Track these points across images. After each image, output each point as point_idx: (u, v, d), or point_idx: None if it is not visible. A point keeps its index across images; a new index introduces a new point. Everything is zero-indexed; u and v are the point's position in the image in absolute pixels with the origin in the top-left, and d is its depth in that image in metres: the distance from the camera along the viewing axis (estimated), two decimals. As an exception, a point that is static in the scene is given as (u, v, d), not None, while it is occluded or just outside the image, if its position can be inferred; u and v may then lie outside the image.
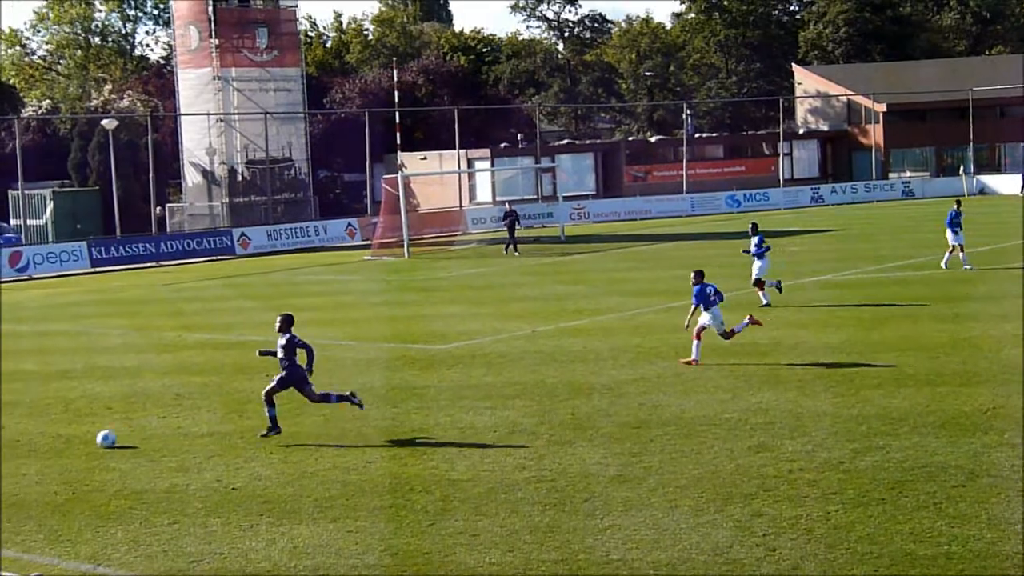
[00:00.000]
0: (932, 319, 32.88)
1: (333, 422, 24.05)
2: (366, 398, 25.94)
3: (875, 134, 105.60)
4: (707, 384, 25.72)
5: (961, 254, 43.68)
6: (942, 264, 43.94)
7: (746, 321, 28.80)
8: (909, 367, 26.44)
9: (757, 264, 37.36)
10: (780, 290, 37.23)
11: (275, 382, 23.14)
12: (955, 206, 45.24)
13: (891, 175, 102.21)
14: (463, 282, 50.13)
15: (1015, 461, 18.83)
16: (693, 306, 28.23)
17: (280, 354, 23.18)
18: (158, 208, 75.34)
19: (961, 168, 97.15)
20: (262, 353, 24.11)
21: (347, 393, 23.54)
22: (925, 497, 17.37)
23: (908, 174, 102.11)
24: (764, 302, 36.55)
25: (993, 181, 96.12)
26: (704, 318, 28.11)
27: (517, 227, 63.57)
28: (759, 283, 37.10)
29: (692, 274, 28.48)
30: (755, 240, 37.58)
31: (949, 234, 44.00)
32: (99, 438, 23.09)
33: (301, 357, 22.95)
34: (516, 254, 60.72)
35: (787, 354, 28.65)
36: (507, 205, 68.32)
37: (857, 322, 33.23)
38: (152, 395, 27.94)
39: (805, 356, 28.31)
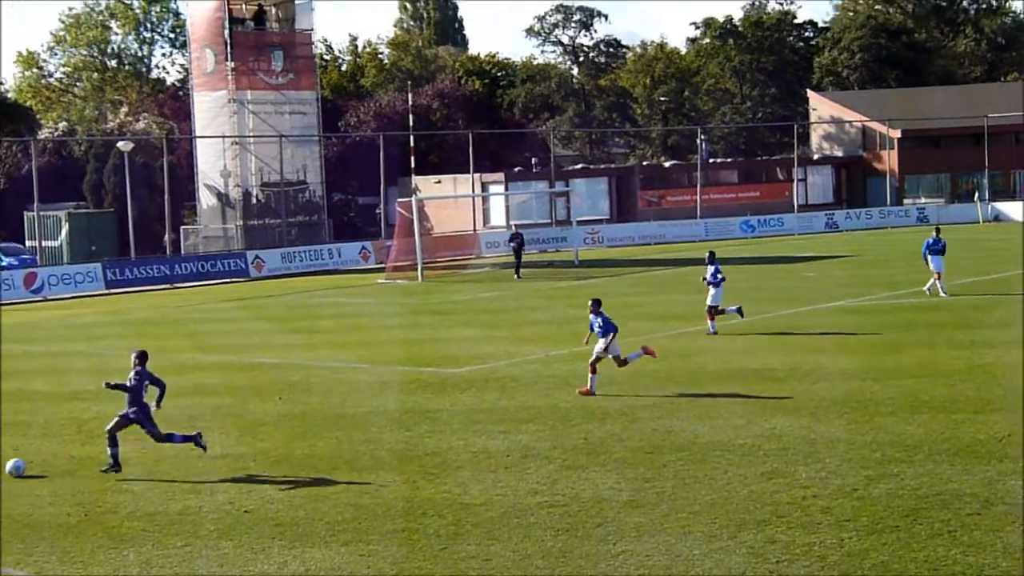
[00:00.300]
0: (947, 345, 32.81)
1: (346, 445, 24.06)
2: (380, 421, 26.02)
3: (889, 160, 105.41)
4: (721, 409, 25.69)
5: (939, 282, 43.86)
6: (925, 289, 44.26)
7: (640, 351, 28.98)
8: (924, 394, 26.39)
9: (712, 292, 37.44)
10: (742, 315, 37.82)
11: (118, 418, 22.64)
12: (935, 233, 45.70)
13: (906, 201, 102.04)
14: (477, 305, 50.13)
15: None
16: (589, 333, 28.70)
17: (129, 386, 22.76)
18: (168, 233, 75.51)
19: (976, 194, 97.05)
20: (109, 386, 23.23)
21: (193, 434, 23.12)
22: (939, 525, 17.32)
23: (923, 200, 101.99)
24: (711, 330, 37.00)
25: (1008, 207, 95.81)
26: (599, 345, 28.28)
27: (523, 251, 64.20)
28: (712, 311, 37.32)
29: (590, 302, 28.87)
30: (711, 269, 37.71)
31: (931, 261, 44.19)
32: (8, 466, 22.85)
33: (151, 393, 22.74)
34: (516, 278, 61.03)
35: (802, 380, 28.60)
36: (513, 228, 68.74)
37: (872, 348, 33.17)
38: (165, 417, 27.86)
39: (820, 382, 28.27)
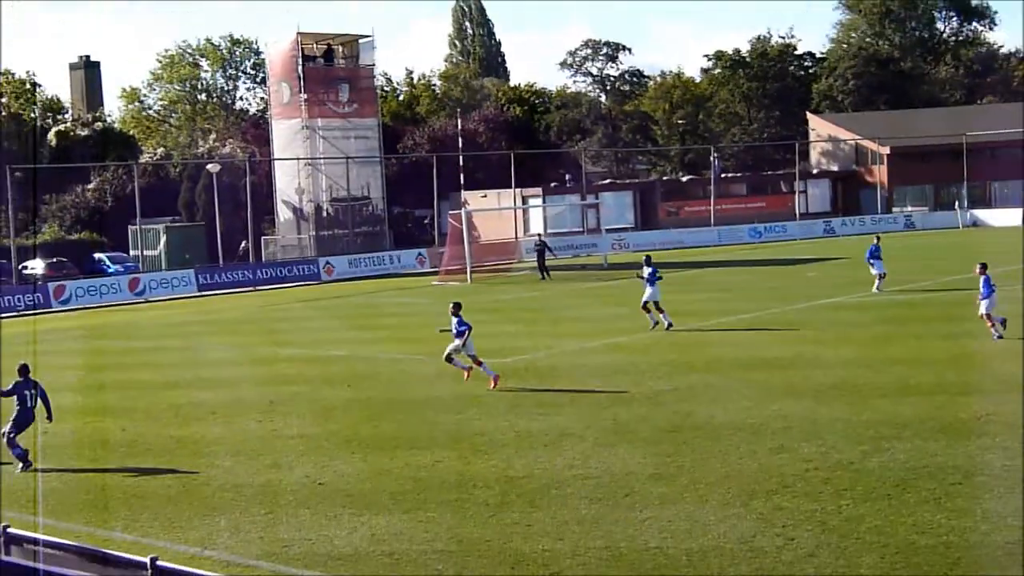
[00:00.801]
0: (934, 337, 32.62)
1: (406, 426, 24.11)
2: (435, 406, 26.06)
3: (880, 174, 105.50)
4: (733, 394, 25.62)
5: (879, 283, 44.60)
6: (873, 289, 44.77)
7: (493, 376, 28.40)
8: (912, 379, 26.27)
9: (648, 290, 37.28)
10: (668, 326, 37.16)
11: (11, 425, 22.17)
12: (875, 240, 46.57)
13: (894, 209, 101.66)
14: (519, 304, 50.13)
15: (1006, 462, 18.70)
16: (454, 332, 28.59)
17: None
18: (243, 243, 75.78)
19: (956, 203, 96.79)
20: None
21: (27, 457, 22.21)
22: (926, 493, 17.25)
23: (909, 208, 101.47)
24: (653, 324, 37.00)
25: (984, 215, 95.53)
26: (455, 344, 28.35)
27: (549, 256, 64.86)
28: (646, 306, 37.22)
29: (451, 305, 29.14)
30: (648, 270, 37.58)
31: (873, 265, 45.12)
32: (14, 452, 22.53)
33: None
34: (542, 278, 61.14)
35: (805, 367, 28.51)
36: (538, 237, 68.89)
37: (868, 339, 33.00)
38: (250, 402, 28.08)
39: (820, 369, 28.18)
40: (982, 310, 31.46)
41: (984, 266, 31.97)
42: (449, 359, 28.71)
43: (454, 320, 28.63)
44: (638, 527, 16.37)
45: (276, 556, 16.00)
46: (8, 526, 14.24)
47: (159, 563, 12.52)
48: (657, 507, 17.24)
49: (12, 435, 22.11)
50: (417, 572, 15.08)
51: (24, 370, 22.65)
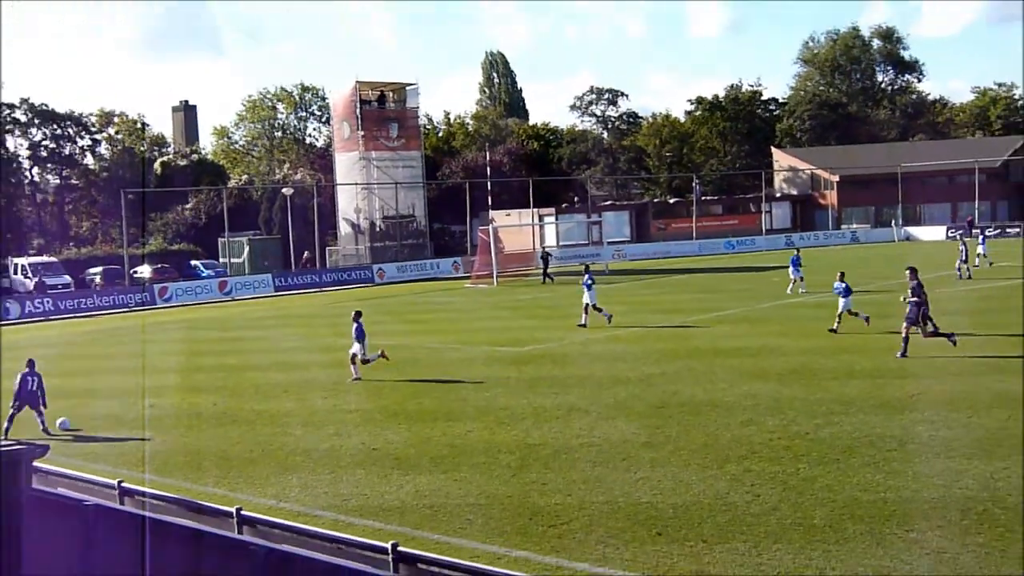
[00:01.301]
0: (874, 330, 32.45)
1: (444, 402, 24.13)
2: (467, 386, 26.04)
3: (831, 197, 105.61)
4: (710, 376, 25.56)
5: (801, 285, 45.76)
6: (787, 290, 46.10)
7: (378, 354, 28.59)
8: (857, 365, 26.17)
9: (587, 294, 37.36)
10: (609, 320, 37.07)
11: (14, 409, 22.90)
12: (795, 252, 48.97)
13: (843, 226, 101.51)
14: (536, 303, 50.12)
15: (932, 432, 18.64)
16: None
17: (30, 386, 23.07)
18: (306, 252, 75.80)
19: (893, 221, 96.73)
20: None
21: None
22: (868, 458, 17.20)
23: (855, 226, 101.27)
24: (607, 318, 36.85)
25: (915, 231, 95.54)
26: (355, 347, 27.94)
27: (550, 264, 64.99)
28: (593, 307, 37.12)
29: (353, 312, 28.76)
30: (586, 276, 37.86)
31: (791, 271, 46.71)
32: (58, 422, 23.20)
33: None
34: (550, 282, 61.10)
35: (770, 355, 28.43)
36: (543, 249, 68.90)
37: (821, 332, 32.84)
38: (316, 383, 28.14)
39: (783, 356, 28.09)
40: (841, 308, 32.10)
41: (842, 274, 33.22)
42: (352, 360, 28.12)
43: (355, 326, 28.16)
44: (633, 485, 16.36)
45: (337, 508, 16.04)
46: (122, 481, 14.32)
47: (243, 512, 12.57)
48: (648, 469, 17.22)
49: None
50: (452, 521, 15.08)
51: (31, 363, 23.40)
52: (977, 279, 48.56)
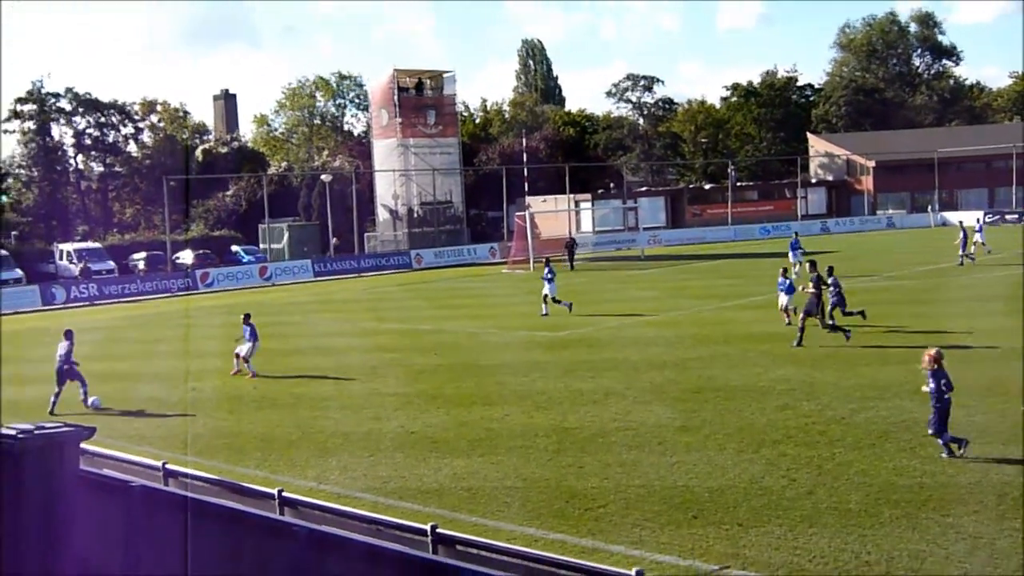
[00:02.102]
0: (909, 316, 32.27)
1: (481, 387, 24.17)
2: (505, 370, 26.10)
3: (867, 183, 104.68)
4: (745, 362, 25.49)
5: (797, 268, 44.65)
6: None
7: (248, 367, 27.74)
8: (893, 351, 26.02)
9: (548, 286, 37.56)
10: (570, 309, 37.16)
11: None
12: (794, 236, 50.04)
13: (878, 212, 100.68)
14: (571, 288, 49.99)
15: (968, 418, 18.50)
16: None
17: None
18: (333, 240, 76.05)
19: (929, 207, 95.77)
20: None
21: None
22: (903, 443, 17.13)
23: (891, 211, 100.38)
24: (565, 305, 37.03)
25: (951, 216, 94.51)
26: (243, 348, 27.46)
27: (575, 252, 64.72)
28: (553, 299, 37.32)
29: (243, 315, 28.17)
30: (546, 270, 38.08)
31: (791, 256, 47.08)
32: (90, 401, 23.80)
33: None
34: (570, 269, 61.03)
35: (805, 340, 28.25)
36: (569, 236, 68.64)
37: (855, 317, 32.69)
38: (355, 366, 28.25)
39: (818, 341, 27.93)
40: (782, 304, 31.35)
41: (784, 270, 32.37)
42: (246, 360, 27.58)
43: (246, 328, 27.72)
44: (669, 469, 16.35)
45: (376, 490, 16.12)
46: (166, 463, 14.46)
47: (284, 494, 12.66)
48: (684, 453, 17.20)
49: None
50: (489, 504, 15.13)
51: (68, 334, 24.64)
52: (975, 268, 48.10)
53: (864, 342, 27.50)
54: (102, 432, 13.93)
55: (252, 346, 27.57)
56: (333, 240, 76.12)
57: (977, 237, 55.10)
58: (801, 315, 27.86)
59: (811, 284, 28.01)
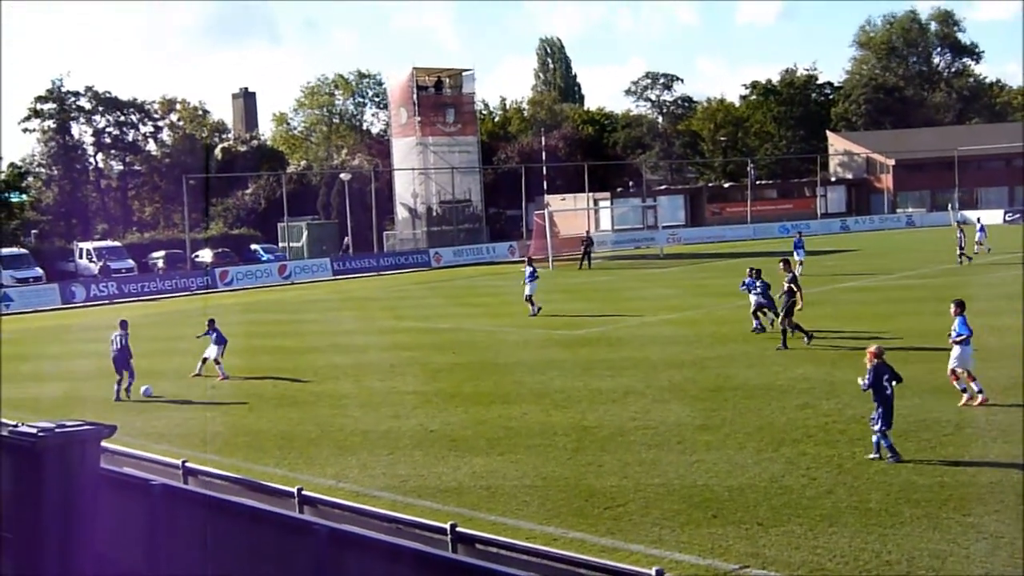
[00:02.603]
0: (930, 314, 32.10)
1: (500, 385, 24.17)
2: (523, 368, 26.07)
3: (886, 181, 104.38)
4: (765, 360, 25.42)
5: (799, 267, 45.09)
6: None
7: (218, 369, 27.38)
8: (913, 349, 25.89)
9: (528, 286, 37.80)
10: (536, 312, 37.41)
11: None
12: (797, 235, 50.92)
13: (898, 210, 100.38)
14: (591, 287, 50.05)
15: (990, 416, 18.41)
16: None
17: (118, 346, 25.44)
18: (346, 239, 76.06)
19: (949, 205, 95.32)
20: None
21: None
22: (923, 442, 17.06)
23: (911, 210, 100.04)
24: (535, 311, 37.20)
25: (972, 214, 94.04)
26: (211, 351, 27.15)
27: (591, 250, 64.50)
28: (527, 298, 37.69)
29: (207, 321, 27.82)
30: (530, 269, 38.21)
31: (795, 254, 47.79)
32: (142, 389, 24.72)
33: None
34: (583, 267, 60.81)
35: (824, 338, 28.18)
36: (585, 233, 68.50)
37: (874, 316, 32.62)
38: (374, 365, 28.30)
39: (837, 340, 27.86)
40: (751, 306, 30.49)
41: (758, 272, 30.33)
42: (216, 362, 27.33)
43: (211, 333, 27.43)
44: (688, 468, 16.31)
45: (396, 488, 16.13)
46: (186, 461, 14.50)
47: (304, 492, 12.68)
48: (704, 452, 17.16)
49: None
50: (508, 503, 15.12)
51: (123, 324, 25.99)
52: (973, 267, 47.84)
53: (887, 343, 27.37)
54: (121, 430, 13.97)
55: (220, 348, 27.34)
56: (345, 240, 76.24)
57: (978, 236, 54.99)
58: (779, 319, 27.68)
59: (785, 284, 27.78)
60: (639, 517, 14.16)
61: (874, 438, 16.36)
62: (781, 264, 29.28)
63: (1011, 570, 11.88)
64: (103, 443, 12.15)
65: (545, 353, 28.57)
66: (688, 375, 24.04)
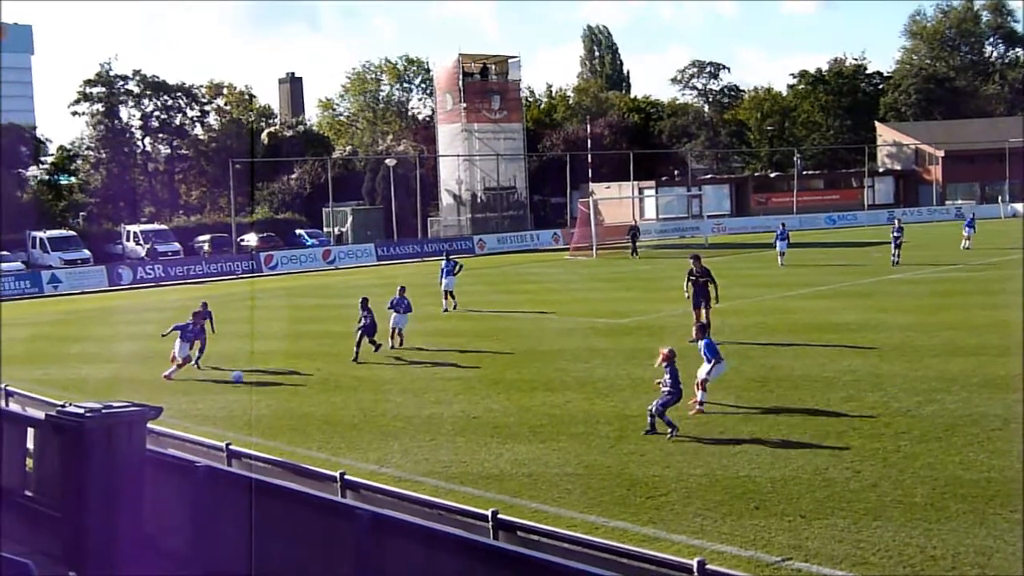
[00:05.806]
0: (977, 307, 31.79)
1: (543, 373, 24.15)
2: (566, 356, 26.03)
3: (935, 172, 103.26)
4: (810, 351, 25.24)
5: (781, 258, 48.49)
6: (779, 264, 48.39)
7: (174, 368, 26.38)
8: (960, 342, 25.63)
9: (445, 280, 37.69)
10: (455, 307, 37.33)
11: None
12: (781, 227, 51.33)
13: (947, 202, 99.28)
14: (634, 275, 49.90)
15: (1040, 413, 18.18)
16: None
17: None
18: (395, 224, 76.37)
19: (999, 198, 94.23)
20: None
21: None
22: (971, 437, 16.85)
23: (960, 202, 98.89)
24: (444, 309, 36.94)
25: (1021, 207, 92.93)
26: (183, 348, 26.19)
27: (638, 239, 64.30)
28: (447, 292, 37.50)
29: (192, 313, 27.19)
30: (448, 263, 38.16)
31: (777, 245, 49.13)
32: (232, 375, 24.90)
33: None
34: (635, 257, 60.62)
35: (870, 331, 27.96)
36: (632, 222, 68.23)
37: (922, 308, 32.28)
38: (416, 350, 28.34)
39: (883, 332, 27.61)
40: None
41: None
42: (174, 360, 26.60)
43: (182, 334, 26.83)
44: (731, 458, 16.24)
45: (438, 474, 16.16)
46: (230, 443, 14.61)
47: (346, 476, 12.75)
48: (747, 443, 17.08)
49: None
50: (550, 491, 15.11)
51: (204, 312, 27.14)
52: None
53: (931, 336, 27.13)
54: (166, 412, 14.10)
55: (195, 348, 26.80)
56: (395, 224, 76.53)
57: (965, 232, 54.60)
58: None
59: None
60: (681, 507, 14.11)
61: (651, 419, 17.77)
62: (692, 260, 28.82)
63: (1059, 568, 11.74)
64: (149, 424, 12.27)
65: (588, 341, 28.52)
66: (732, 365, 23.80)
